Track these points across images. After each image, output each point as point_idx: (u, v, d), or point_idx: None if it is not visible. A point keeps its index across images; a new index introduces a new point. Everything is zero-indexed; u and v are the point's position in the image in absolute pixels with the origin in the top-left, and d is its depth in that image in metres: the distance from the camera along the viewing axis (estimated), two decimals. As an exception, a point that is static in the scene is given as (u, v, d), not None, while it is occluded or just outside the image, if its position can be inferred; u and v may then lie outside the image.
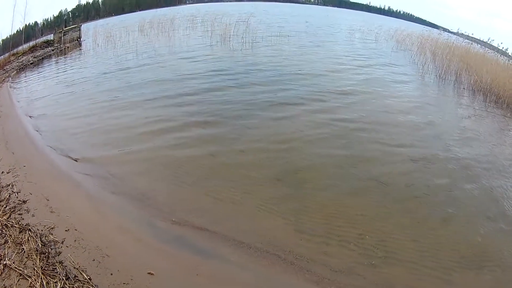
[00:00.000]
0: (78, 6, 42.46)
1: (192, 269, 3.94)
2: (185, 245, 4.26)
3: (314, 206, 5.15)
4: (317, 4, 74.29)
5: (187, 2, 56.87)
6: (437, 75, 14.78)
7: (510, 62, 17.25)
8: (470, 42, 21.48)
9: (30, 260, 3.75)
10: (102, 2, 45.47)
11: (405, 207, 5.42)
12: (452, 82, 14.42)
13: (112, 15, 41.40)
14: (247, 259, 4.13)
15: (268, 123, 7.71)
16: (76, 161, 6.25)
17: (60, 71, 13.40)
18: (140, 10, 42.80)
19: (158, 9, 35.33)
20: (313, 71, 11.80)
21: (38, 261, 3.73)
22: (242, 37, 17.82)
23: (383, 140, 7.58)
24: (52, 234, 4.24)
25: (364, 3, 76.88)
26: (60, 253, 3.97)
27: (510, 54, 19.29)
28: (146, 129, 7.36)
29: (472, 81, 14.15)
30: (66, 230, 4.31)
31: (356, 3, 75.61)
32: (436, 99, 11.55)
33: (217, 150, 6.55)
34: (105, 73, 11.67)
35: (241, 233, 4.49)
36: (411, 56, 18.32)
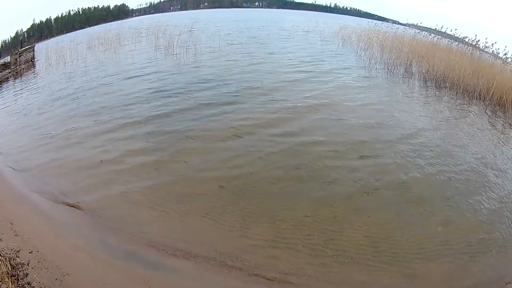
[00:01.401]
0: (33, 25, 44.45)
1: (144, 282, 4.27)
2: (137, 260, 4.59)
3: (258, 211, 5.43)
4: (262, 7, 76.08)
5: (134, 15, 60.08)
6: (386, 68, 15.65)
7: (467, 49, 18.53)
8: (420, 31, 23.17)
9: (4, 283, 4.12)
10: (54, 20, 47.85)
11: (354, 204, 5.75)
12: (402, 73, 15.33)
13: (63, 33, 43.32)
14: (195, 269, 4.47)
15: (218, 145, 7.78)
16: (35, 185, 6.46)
17: (14, 97, 13.48)
18: (89, 26, 44.91)
19: (106, 24, 36.78)
20: (262, 83, 12.07)
21: (10, 284, 4.10)
22: (186, 48, 18.42)
23: (330, 140, 8.00)
24: (18, 257, 4.55)
25: (310, 2, 79.95)
26: (27, 274, 4.35)
27: (466, 39, 20.07)
28: (97, 156, 7.47)
29: (423, 70, 15.15)
30: (30, 252, 4.64)
31: (301, 3, 78.80)
32: (386, 93, 12.33)
33: (160, 162, 6.92)
34: (54, 100, 11.64)
35: (189, 244, 4.80)
36: (358, 52, 19.31)
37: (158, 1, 67.12)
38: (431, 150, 8.03)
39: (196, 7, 69.94)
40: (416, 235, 5.25)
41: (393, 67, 15.74)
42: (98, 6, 54.94)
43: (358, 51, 19.31)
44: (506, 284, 4.74)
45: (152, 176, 6.37)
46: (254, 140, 7.74)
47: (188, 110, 9.11)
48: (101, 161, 7.00)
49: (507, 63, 18.17)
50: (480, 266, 4.98)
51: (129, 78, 12.78)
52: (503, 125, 11.84)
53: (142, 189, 6.00)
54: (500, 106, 13.93)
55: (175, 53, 17.57)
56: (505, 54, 18.26)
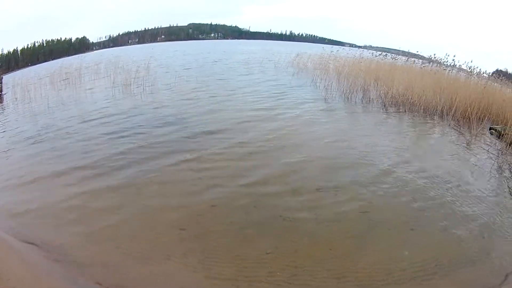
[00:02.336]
0: (1, 56, 45.77)
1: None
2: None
3: (219, 250, 5.60)
4: (218, 38, 77.88)
5: (94, 48, 61.79)
6: (343, 96, 16.33)
7: (428, 66, 19.66)
8: (380, 53, 23.74)
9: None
10: (20, 51, 49.28)
11: (315, 238, 5.98)
12: (360, 100, 15.98)
13: (29, 65, 44.03)
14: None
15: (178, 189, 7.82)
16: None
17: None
18: (52, 59, 44.79)
19: (69, 58, 36.58)
20: (223, 124, 12.01)
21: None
22: (143, 86, 18.51)
23: (287, 176, 8.22)
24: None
25: (265, 31, 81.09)
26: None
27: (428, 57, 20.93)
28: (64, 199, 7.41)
29: (381, 94, 15.97)
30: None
31: (257, 32, 79.80)
32: (345, 123, 12.79)
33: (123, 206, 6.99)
34: (15, 142, 11.37)
35: (157, 286, 4.88)
36: (314, 80, 19.93)
37: (117, 34, 69.37)
38: (392, 175, 8.50)
39: (153, 40, 72.19)
40: (381, 262, 5.47)
41: (350, 94, 16.35)
42: (61, 38, 56.63)
43: (314, 79, 19.94)
44: None
45: (115, 220, 6.44)
46: (215, 185, 7.82)
47: (148, 160, 9.08)
48: (63, 207, 7.01)
49: (471, 75, 18.80)
50: (453, 284, 5.24)
51: (89, 120, 12.77)
52: (468, 140, 12.61)
53: (105, 232, 6.09)
54: (465, 120, 14.70)
55: (133, 91, 17.80)
56: (469, 67, 19.35)
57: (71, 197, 7.34)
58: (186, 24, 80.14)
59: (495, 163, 10.64)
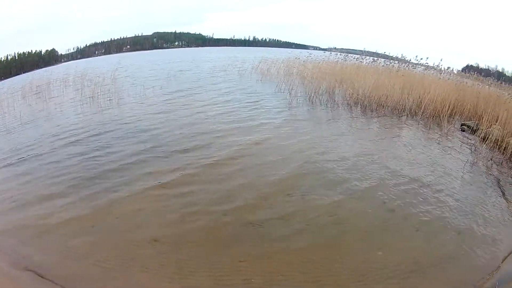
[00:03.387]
0: None
1: None
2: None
3: (194, 261, 5.60)
4: (182, 47, 77.82)
5: (62, 60, 61.30)
6: (308, 100, 16.26)
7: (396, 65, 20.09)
8: (346, 54, 23.50)
9: None
10: None
11: (287, 244, 6.00)
12: (325, 102, 16.04)
13: (2, 79, 43.38)
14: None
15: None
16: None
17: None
18: (24, 72, 44.91)
19: (40, 70, 36.12)
20: (192, 140, 11.35)
21: None
22: (110, 99, 17.86)
23: (256, 183, 8.23)
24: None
25: (228, 38, 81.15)
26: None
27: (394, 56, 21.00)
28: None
29: (347, 96, 15.99)
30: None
31: (220, 39, 79.82)
32: (311, 127, 12.64)
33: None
34: None
35: None
36: (278, 86, 19.66)
37: (85, 46, 68.96)
38: (361, 178, 8.59)
39: (119, 50, 72.17)
40: (356, 264, 5.58)
41: (315, 97, 16.46)
42: (32, 51, 56.74)
43: (278, 85, 19.75)
44: None
45: (91, 233, 6.41)
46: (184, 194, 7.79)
47: (120, 186, 8.59)
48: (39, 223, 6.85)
49: (440, 72, 18.82)
50: (432, 282, 5.38)
51: (60, 139, 12.06)
52: (439, 137, 12.83)
53: (82, 246, 6.03)
54: (435, 118, 14.98)
55: (102, 105, 17.25)
56: (437, 65, 19.48)
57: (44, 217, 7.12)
58: (151, 33, 80.00)
59: (469, 159, 10.88)
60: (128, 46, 75.80)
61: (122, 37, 75.97)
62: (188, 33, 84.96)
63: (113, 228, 6.67)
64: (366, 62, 21.71)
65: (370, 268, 5.48)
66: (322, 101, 16.09)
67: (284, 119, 13.33)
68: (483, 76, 23.24)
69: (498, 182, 9.63)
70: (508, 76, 37.17)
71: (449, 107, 15.29)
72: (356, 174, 8.76)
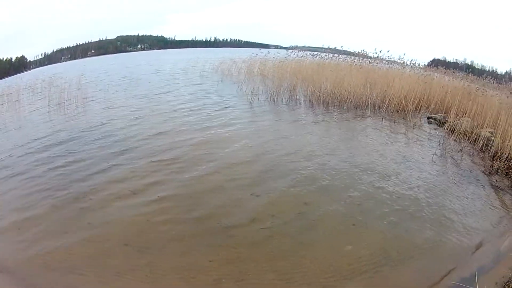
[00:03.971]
0: None
1: None
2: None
3: (165, 263, 5.54)
4: (144, 49, 77.52)
5: (31, 67, 60.30)
6: (269, 99, 16.14)
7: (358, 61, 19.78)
8: (307, 52, 23.39)
9: None
10: None
11: (255, 242, 5.99)
12: (286, 101, 15.95)
13: None
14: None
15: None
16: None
17: None
18: None
19: (9, 78, 35.86)
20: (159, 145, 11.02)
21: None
22: (77, 105, 17.46)
23: (224, 186, 8.07)
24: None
25: (190, 39, 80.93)
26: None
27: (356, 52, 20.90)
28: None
29: (308, 93, 16.02)
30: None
31: (182, 41, 79.64)
32: (271, 126, 12.53)
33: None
34: None
35: None
36: (239, 86, 19.48)
37: (52, 51, 67.80)
38: (325, 173, 8.57)
39: (84, 55, 72.07)
40: (326, 259, 5.57)
41: (276, 96, 16.38)
42: (2, 58, 56.05)
43: (239, 85, 19.62)
44: (434, 284, 5.23)
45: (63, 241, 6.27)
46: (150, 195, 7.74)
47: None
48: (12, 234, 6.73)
49: (404, 66, 18.86)
50: (405, 273, 5.42)
51: (28, 149, 11.63)
52: (405, 131, 12.93)
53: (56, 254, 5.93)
54: (400, 113, 15.07)
55: (68, 112, 16.66)
56: (401, 58, 19.83)
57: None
58: (114, 37, 79.51)
59: (437, 151, 10.97)
60: (93, 51, 75.54)
61: (87, 42, 75.69)
62: (150, 36, 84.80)
63: (85, 235, 6.49)
64: (327, 59, 21.75)
65: (340, 263, 5.52)
66: (284, 100, 16.02)
67: (247, 120, 13.19)
68: (452, 69, 23.30)
69: (470, 172, 9.71)
70: (478, 69, 37.58)
71: (414, 101, 15.32)
72: (321, 170, 8.74)
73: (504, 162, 10.44)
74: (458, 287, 5.24)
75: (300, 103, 15.66)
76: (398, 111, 15.02)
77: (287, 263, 5.49)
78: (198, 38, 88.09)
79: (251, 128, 12.13)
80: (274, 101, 15.85)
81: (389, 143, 11.35)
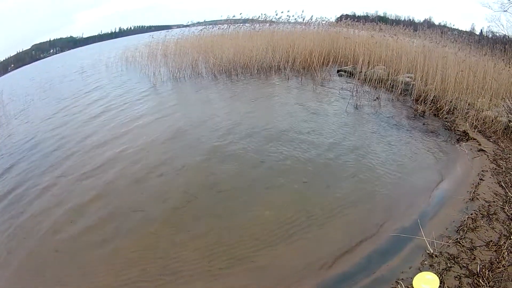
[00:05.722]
0: None
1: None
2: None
3: (93, 263, 5.03)
4: (56, 53, 75.72)
5: None
6: (172, 77, 15.76)
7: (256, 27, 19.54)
8: (207, 26, 23.49)
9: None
10: None
11: (172, 224, 5.63)
12: (189, 76, 15.67)
13: None
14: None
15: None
16: None
17: None
18: None
19: None
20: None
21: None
22: None
23: (131, 168, 7.63)
24: None
25: (97, 34, 79.35)
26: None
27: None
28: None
29: (210, 65, 15.73)
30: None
31: (89, 37, 77.89)
32: (176, 101, 12.31)
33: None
34: None
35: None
36: (142, 70, 18.86)
37: None
38: (235, 139, 8.32)
39: (5, 71, 69.04)
40: (245, 230, 5.32)
41: (179, 73, 15.94)
42: None
43: (143, 69, 18.98)
44: (361, 242, 5.03)
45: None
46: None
47: None
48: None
49: (308, 25, 19.19)
50: (335, 230, 5.25)
51: None
52: (313, 86, 12.82)
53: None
54: (306, 70, 15.08)
55: None
56: (303, 17, 19.37)
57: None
58: (29, 47, 77.27)
59: (349, 101, 10.87)
60: (12, 65, 73.28)
61: (6, 58, 73.45)
62: (60, 39, 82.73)
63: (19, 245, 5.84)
64: (228, 30, 21.22)
65: (261, 230, 5.30)
66: (186, 76, 15.61)
67: (152, 102, 12.66)
68: (362, 22, 23.22)
69: (392, 119, 9.69)
70: (391, 19, 37.68)
71: (320, 57, 15.37)
72: (229, 138, 8.49)
73: (430, 104, 10.46)
74: (400, 238, 5.11)
75: (203, 77, 15.32)
76: (304, 69, 14.97)
77: (206, 240, 5.20)
78: (104, 32, 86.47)
79: (157, 109, 11.52)
80: (177, 78, 15.42)
81: (298, 102, 11.08)
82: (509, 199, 6.11)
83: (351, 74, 14.31)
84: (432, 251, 4.86)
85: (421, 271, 4.44)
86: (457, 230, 5.26)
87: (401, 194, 6.29)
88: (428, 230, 5.20)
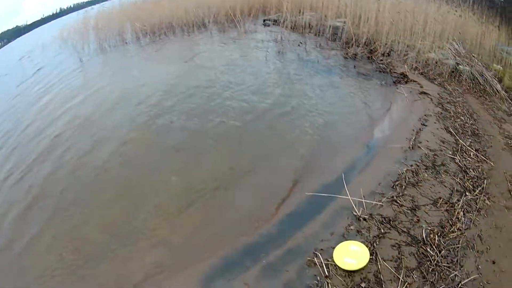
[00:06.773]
0: None
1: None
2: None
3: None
4: (3, 46, 72.66)
5: None
6: (100, 47, 15.47)
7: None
8: None
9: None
10: None
11: (84, 202, 5.38)
12: (116, 43, 15.47)
13: None
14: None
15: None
16: None
17: None
18: None
19: None
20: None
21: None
22: None
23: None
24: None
25: (39, 19, 77.21)
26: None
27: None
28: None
29: (137, 29, 15.56)
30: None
31: (33, 23, 75.11)
32: (107, 70, 12.15)
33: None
34: None
35: None
36: (73, 46, 17.99)
37: None
38: (135, 106, 8.09)
39: None
40: (148, 203, 5.09)
41: (105, 42, 15.72)
42: None
43: (73, 44, 18.19)
44: (271, 205, 4.72)
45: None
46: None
47: None
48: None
49: None
50: (243, 192, 5.06)
51: None
52: (237, 38, 12.91)
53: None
54: (229, 23, 15.00)
55: None
56: None
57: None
58: None
59: (271, 49, 10.99)
60: None
61: None
62: (7, 31, 79.92)
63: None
64: None
65: (168, 201, 5.09)
66: (111, 44, 15.38)
67: (83, 78, 12.16)
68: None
69: (317, 63, 9.62)
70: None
71: (243, 9, 15.34)
72: (137, 104, 8.20)
73: (362, 47, 10.40)
74: (320, 198, 4.67)
75: (130, 41, 15.16)
76: (227, 22, 14.93)
77: (109, 219, 4.96)
78: (46, 15, 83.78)
79: (78, 81, 11.37)
80: (103, 49, 15.12)
81: (221, 55, 11.01)
82: (461, 147, 5.71)
83: (276, 22, 14.30)
84: (359, 213, 4.27)
85: (346, 240, 3.96)
86: (393, 186, 4.75)
87: (323, 145, 5.94)
88: (354, 186, 4.74)
